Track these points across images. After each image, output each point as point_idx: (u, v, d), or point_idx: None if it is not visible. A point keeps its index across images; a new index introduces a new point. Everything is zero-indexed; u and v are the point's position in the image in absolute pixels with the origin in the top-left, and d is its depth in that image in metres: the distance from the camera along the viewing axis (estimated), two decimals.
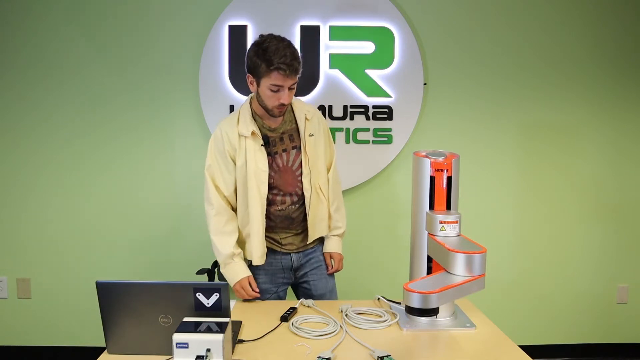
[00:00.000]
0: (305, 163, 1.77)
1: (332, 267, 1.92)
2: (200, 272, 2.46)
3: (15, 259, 2.74)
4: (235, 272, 1.75)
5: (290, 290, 1.98)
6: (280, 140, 1.77)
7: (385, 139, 2.70)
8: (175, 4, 2.64)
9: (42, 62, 2.64)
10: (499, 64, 2.75)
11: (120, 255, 2.75)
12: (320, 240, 1.95)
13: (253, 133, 1.71)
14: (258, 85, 1.67)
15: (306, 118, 1.79)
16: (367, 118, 2.68)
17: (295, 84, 1.67)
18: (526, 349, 1.43)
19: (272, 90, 1.63)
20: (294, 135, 1.78)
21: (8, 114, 2.67)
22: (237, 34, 2.61)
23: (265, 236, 1.79)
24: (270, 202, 1.77)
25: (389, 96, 2.68)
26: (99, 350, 1.32)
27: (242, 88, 2.63)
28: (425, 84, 2.70)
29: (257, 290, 1.75)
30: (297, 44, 2.61)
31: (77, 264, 2.74)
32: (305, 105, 1.85)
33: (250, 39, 2.61)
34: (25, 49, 2.63)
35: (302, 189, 1.79)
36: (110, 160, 2.70)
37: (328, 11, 2.62)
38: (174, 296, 1.24)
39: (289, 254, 1.85)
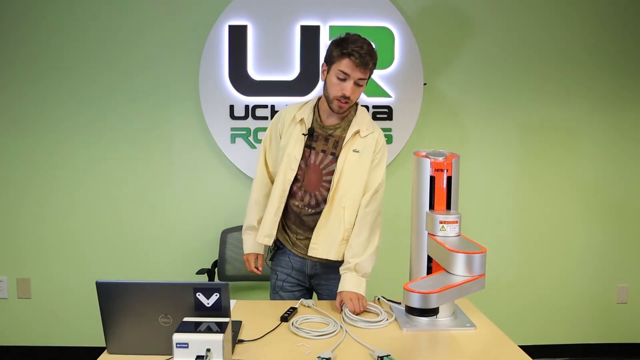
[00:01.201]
0: (336, 174, 1.70)
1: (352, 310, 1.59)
2: (200, 272, 2.47)
3: (15, 259, 2.74)
4: (247, 244, 1.89)
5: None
6: (324, 140, 1.74)
7: (385, 139, 2.69)
8: (176, 3, 2.64)
9: (41, 61, 2.64)
10: (498, 63, 2.75)
11: (120, 255, 2.75)
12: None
13: (302, 120, 1.74)
14: (328, 72, 1.68)
15: (358, 133, 1.71)
16: None
17: (364, 83, 1.66)
18: (526, 349, 1.43)
19: (338, 78, 1.63)
20: (340, 144, 1.74)
21: (5, 113, 2.67)
22: (237, 34, 2.61)
23: (285, 230, 1.83)
24: (291, 194, 1.77)
25: (389, 96, 2.68)
26: (99, 350, 1.32)
27: (242, 88, 2.63)
28: (425, 84, 2.70)
29: (260, 269, 1.88)
30: (297, 44, 2.62)
31: (77, 264, 2.74)
32: (367, 124, 1.76)
33: (251, 39, 2.61)
34: (25, 47, 2.63)
35: (322, 196, 1.75)
36: (111, 160, 2.70)
37: (328, 11, 2.62)
38: (174, 296, 1.24)
39: (304, 258, 1.82)
